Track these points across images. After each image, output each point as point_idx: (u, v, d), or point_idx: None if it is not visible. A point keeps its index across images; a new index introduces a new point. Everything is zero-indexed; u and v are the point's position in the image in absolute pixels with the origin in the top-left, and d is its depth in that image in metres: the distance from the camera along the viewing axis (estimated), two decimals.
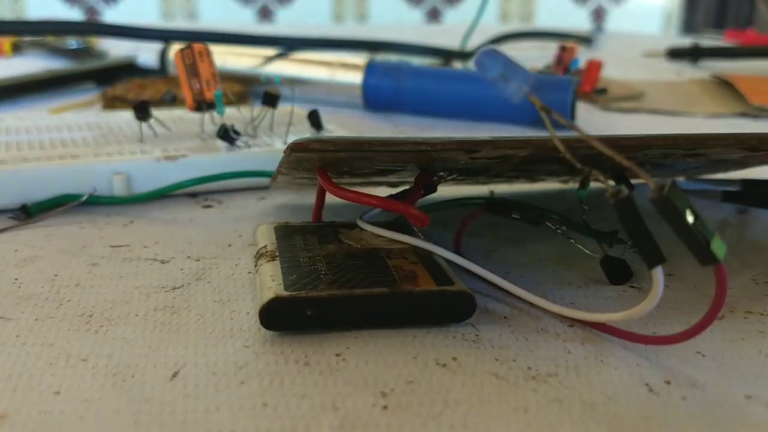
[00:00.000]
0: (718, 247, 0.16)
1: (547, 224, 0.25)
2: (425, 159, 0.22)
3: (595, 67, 0.59)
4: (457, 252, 0.25)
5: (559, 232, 0.25)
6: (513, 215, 0.25)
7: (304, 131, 0.38)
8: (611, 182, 0.17)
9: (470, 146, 0.20)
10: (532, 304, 0.22)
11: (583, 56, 0.69)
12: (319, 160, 0.22)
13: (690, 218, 0.16)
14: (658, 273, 0.17)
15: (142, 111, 0.34)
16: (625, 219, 0.17)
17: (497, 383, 0.18)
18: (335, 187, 0.23)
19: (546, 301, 0.21)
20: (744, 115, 0.55)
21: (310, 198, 0.33)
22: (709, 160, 0.26)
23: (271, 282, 0.20)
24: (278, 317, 0.19)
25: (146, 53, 0.66)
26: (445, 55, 0.74)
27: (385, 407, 0.17)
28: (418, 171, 0.25)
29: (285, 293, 0.19)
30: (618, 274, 0.24)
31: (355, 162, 0.22)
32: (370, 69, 0.53)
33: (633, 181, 0.24)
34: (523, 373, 0.18)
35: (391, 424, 0.16)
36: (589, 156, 0.22)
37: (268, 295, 0.19)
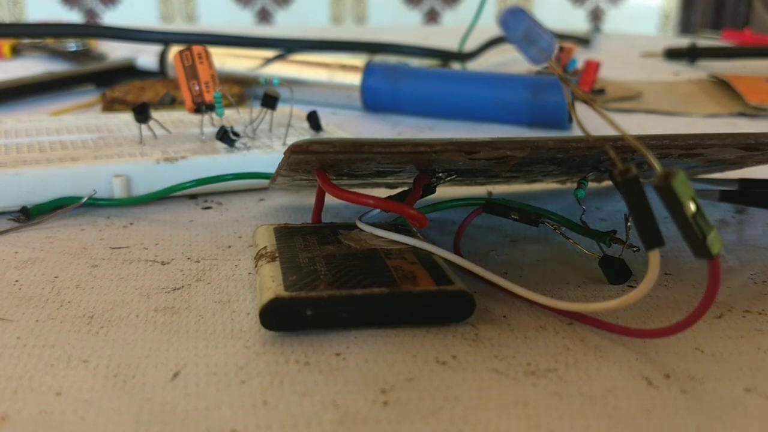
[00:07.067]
0: (715, 241, 0.16)
1: (546, 224, 0.25)
2: (424, 160, 0.22)
3: (592, 67, 0.59)
4: (456, 252, 0.25)
5: (558, 232, 0.25)
6: (512, 216, 0.25)
7: (303, 133, 0.38)
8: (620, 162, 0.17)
9: (469, 147, 0.20)
10: (531, 303, 0.22)
11: (580, 57, 0.69)
12: (318, 162, 0.22)
13: (691, 209, 0.16)
14: (655, 256, 0.17)
15: (141, 113, 0.34)
16: (629, 198, 0.17)
17: (497, 378, 0.18)
18: (335, 188, 0.23)
19: (545, 297, 0.21)
20: (741, 114, 0.55)
21: (309, 199, 0.33)
22: (707, 159, 0.26)
23: (271, 282, 0.20)
24: (278, 317, 0.19)
25: (145, 55, 0.67)
26: (444, 56, 0.74)
27: (385, 403, 0.17)
28: (417, 172, 0.25)
29: (285, 293, 0.19)
30: (617, 273, 0.24)
31: (355, 163, 0.23)
32: (368, 70, 0.53)
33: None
34: (523, 368, 0.18)
35: (391, 420, 0.16)
36: (589, 155, 0.23)
37: (269, 295, 0.19)
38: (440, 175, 0.25)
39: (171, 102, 0.51)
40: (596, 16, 2.01)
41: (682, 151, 0.23)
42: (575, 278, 0.24)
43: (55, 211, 0.29)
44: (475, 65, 0.77)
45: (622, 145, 0.20)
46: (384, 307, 0.20)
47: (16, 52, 0.84)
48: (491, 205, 0.26)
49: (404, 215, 0.23)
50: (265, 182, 0.33)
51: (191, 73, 0.34)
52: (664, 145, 0.21)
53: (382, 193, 0.27)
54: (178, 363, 0.18)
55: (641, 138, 0.20)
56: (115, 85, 0.60)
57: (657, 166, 0.16)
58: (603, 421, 0.16)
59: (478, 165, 0.23)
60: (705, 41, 1.07)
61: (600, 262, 0.24)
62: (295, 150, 0.20)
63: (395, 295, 0.20)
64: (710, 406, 0.17)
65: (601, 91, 0.60)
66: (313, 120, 0.38)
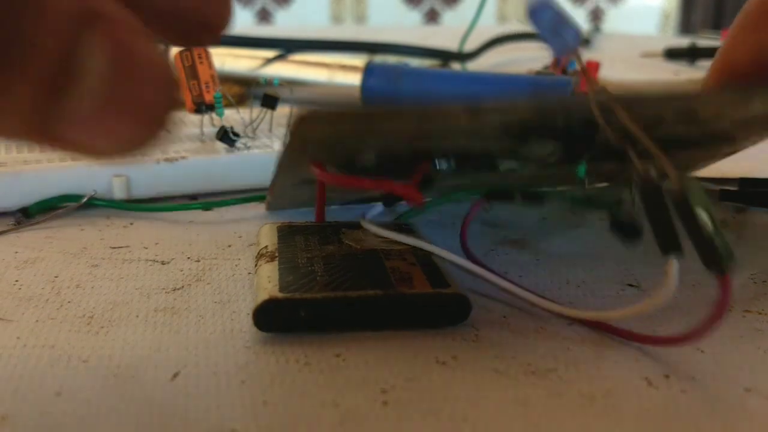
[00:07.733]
0: (726, 252, 0.16)
1: (552, 198, 0.25)
2: (425, 131, 0.21)
3: (592, 67, 0.59)
4: (463, 244, 0.25)
5: (565, 207, 0.25)
6: (516, 198, 0.25)
7: None
8: (641, 164, 0.17)
9: (473, 105, 0.19)
10: (531, 304, 0.22)
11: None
12: (318, 143, 0.21)
13: (706, 217, 0.16)
14: (673, 264, 0.17)
15: None
16: (647, 201, 0.17)
17: (497, 378, 0.18)
18: (330, 175, 0.22)
19: (546, 300, 0.21)
20: None
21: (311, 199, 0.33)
22: (699, 128, 0.25)
23: (267, 283, 0.20)
24: (272, 318, 0.19)
25: None
26: (444, 56, 0.74)
27: (385, 403, 0.17)
28: (415, 165, 0.24)
29: (279, 294, 0.19)
30: (629, 233, 0.23)
31: (356, 144, 0.22)
32: (368, 70, 0.53)
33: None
34: (523, 368, 0.18)
35: (391, 419, 0.16)
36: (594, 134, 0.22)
37: (263, 296, 0.19)
38: (439, 167, 0.25)
39: None
40: (596, 16, 2.01)
41: (675, 117, 0.22)
42: (575, 278, 0.24)
43: (55, 211, 0.29)
44: (475, 65, 0.77)
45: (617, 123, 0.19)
46: (378, 309, 0.20)
47: None
48: (494, 193, 0.25)
49: (399, 193, 0.23)
50: (265, 183, 0.33)
51: (191, 73, 0.34)
52: (660, 100, 0.21)
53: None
54: (178, 363, 0.18)
55: (637, 92, 0.20)
56: None
57: (671, 171, 0.16)
58: (603, 421, 0.16)
59: (479, 140, 0.22)
60: (705, 41, 1.07)
61: (611, 225, 0.23)
62: (301, 121, 0.18)
63: (390, 297, 0.20)
64: (711, 406, 0.17)
65: None
66: None
